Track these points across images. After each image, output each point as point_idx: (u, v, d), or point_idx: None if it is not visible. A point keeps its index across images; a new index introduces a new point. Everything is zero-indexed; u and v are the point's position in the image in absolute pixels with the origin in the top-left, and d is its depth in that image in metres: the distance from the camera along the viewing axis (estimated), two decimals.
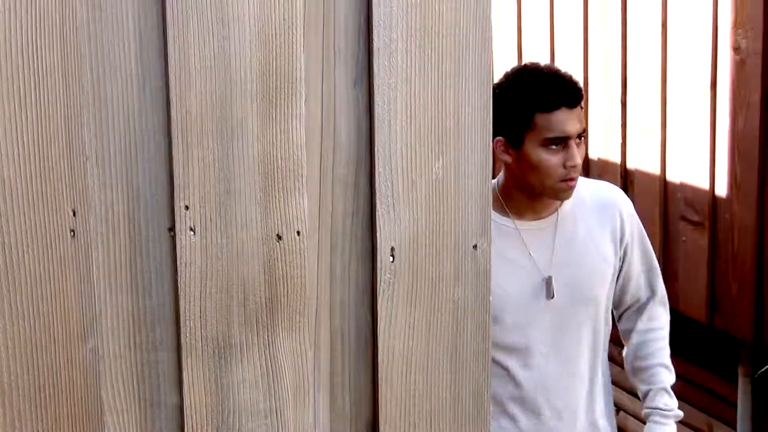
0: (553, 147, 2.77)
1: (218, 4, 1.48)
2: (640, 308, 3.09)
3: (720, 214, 4.29)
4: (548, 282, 2.88)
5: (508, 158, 2.80)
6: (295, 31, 1.52)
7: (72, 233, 1.45)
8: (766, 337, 4.15)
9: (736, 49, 4.08)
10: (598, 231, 2.93)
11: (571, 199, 2.89)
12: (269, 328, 1.58)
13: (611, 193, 3.05)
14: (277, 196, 1.55)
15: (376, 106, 1.57)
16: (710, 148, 4.31)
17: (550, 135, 2.74)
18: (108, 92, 1.47)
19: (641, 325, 3.08)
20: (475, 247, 1.66)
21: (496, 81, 2.83)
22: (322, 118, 1.57)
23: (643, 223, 4.55)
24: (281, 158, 1.54)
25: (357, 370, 1.67)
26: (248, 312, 1.57)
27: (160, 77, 1.50)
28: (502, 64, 6.34)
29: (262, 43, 1.51)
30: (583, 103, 2.79)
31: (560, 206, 2.92)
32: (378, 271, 1.62)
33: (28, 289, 1.43)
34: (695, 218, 4.42)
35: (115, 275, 1.52)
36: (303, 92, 1.54)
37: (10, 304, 1.42)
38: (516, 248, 2.92)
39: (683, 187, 4.51)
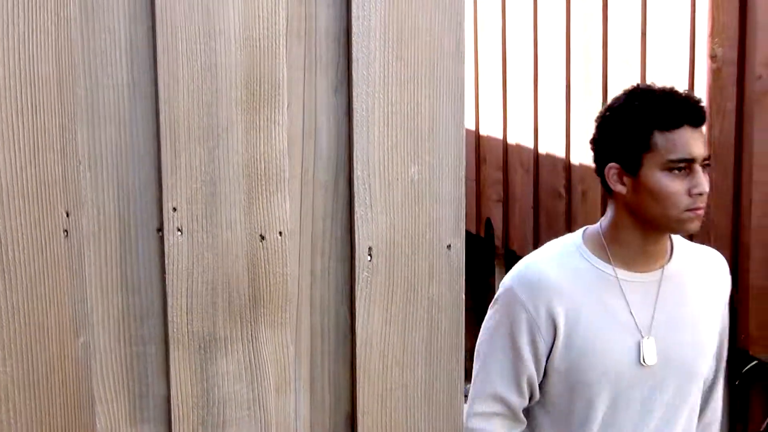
0: (676, 171, 2.35)
1: (205, 17, 1.54)
2: (709, 389, 2.64)
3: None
4: (648, 344, 2.47)
5: (622, 188, 2.39)
6: (278, 43, 1.57)
7: (65, 233, 1.51)
8: (741, 339, 4.19)
9: (713, 57, 4.13)
10: (707, 298, 2.52)
11: (677, 257, 2.49)
12: (252, 323, 1.64)
13: (720, 259, 2.61)
14: (260, 199, 1.60)
15: (354, 113, 1.63)
16: None
17: (673, 156, 2.34)
18: (100, 100, 1.53)
19: (705, 418, 2.64)
20: (449, 247, 1.72)
21: (606, 104, 2.48)
22: (303, 125, 1.63)
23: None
24: (264, 162, 1.59)
25: (336, 364, 1.71)
26: (232, 308, 1.63)
27: (149, 86, 1.55)
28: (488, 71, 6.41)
29: (246, 54, 1.56)
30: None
31: (667, 262, 2.48)
32: (356, 270, 1.67)
33: (23, 286, 1.47)
34: None
35: (105, 273, 1.57)
36: (285, 100, 1.59)
37: (7, 302, 1.46)
38: (614, 301, 2.48)
39: None
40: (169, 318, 1.60)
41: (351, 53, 1.62)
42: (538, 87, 5.59)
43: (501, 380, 2.44)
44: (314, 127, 1.64)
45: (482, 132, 6.32)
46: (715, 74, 4.11)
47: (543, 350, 2.42)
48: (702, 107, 2.39)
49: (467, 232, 6.92)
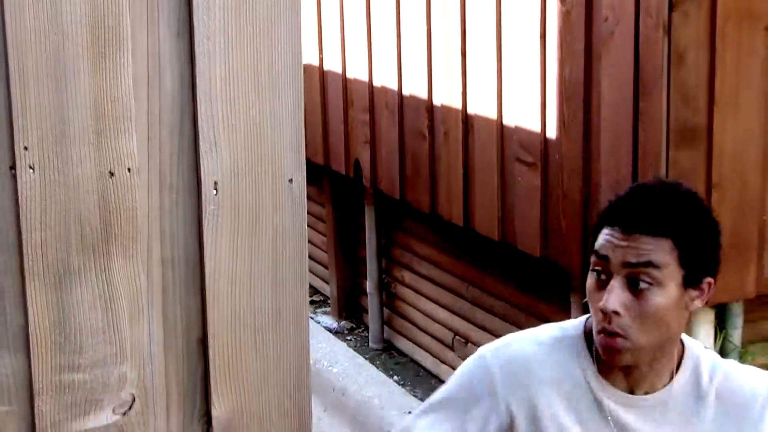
0: (595, 274, 1.98)
1: None
2: None
3: (551, 155, 4.52)
4: None
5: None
6: None
7: None
8: None
9: (563, 1, 4.31)
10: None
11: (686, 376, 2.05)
12: (105, 255, 1.72)
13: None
14: (109, 138, 1.69)
15: (196, 58, 1.72)
16: (541, 94, 4.53)
17: (593, 251, 1.98)
18: None
19: None
20: (290, 180, 1.83)
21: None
22: (148, 68, 1.71)
23: (481, 166, 4.77)
24: (111, 103, 1.68)
25: (187, 292, 1.80)
26: (85, 241, 1.71)
27: None
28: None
29: (91, 1, 1.65)
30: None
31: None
32: (203, 203, 1.77)
33: None
34: (529, 159, 4.64)
35: None
36: (129, 45, 1.68)
37: None
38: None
39: (518, 131, 4.73)
40: (24, 251, 1.68)
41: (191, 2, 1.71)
42: (401, 31, 5.71)
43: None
44: (158, 70, 1.72)
45: (349, 75, 6.41)
46: (565, 17, 4.28)
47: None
48: (644, 213, 1.96)
49: (336, 173, 7.03)
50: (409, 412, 5.35)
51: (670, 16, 3.90)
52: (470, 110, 5.09)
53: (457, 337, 5.91)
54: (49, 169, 1.68)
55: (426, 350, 6.26)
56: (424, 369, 6.31)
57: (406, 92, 5.76)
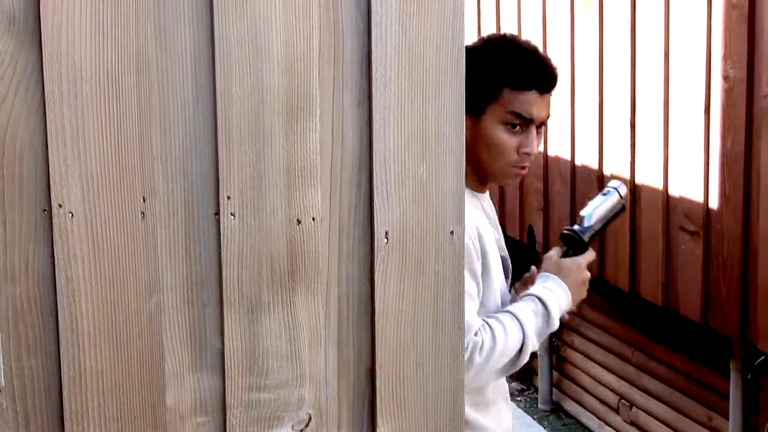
0: (511, 127, 2.55)
1: (254, 43, 1.83)
2: None
3: (712, 225, 4.57)
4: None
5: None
6: (312, 64, 1.86)
7: (142, 215, 1.82)
8: (751, 335, 4.47)
9: (726, 77, 4.40)
10: None
11: None
12: (291, 291, 1.91)
13: None
14: (298, 190, 1.88)
15: (374, 123, 1.91)
16: (704, 166, 4.60)
17: (514, 111, 2.52)
18: (170, 108, 1.82)
19: None
20: (452, 233, 1.98)
21: (469, 43, 2.42)
22: (332, 132, 1.90)
23: (647, 234, 4.88)
24: (301, 161, 1.88)
25: (359, 327, 1.97)
26: (275, 279, 1.89)
27: (209, 97, 1.83)
28: None
29: (287, 72, 1.85)
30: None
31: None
32: (375, 250, 1.93)
33: (108, 256, 1.81)
34: (692, 228, 4.71)
35: (173, 248, 1.85)
36: (318, 111, 1.88)
37: (94, 268, 1.81)
38: (489, 223, 2.76)
39: (682, 201, 4.80)
40: (224, 285, 1.87)
41: (371, 74, 1.89)
42: (575, 102, 5.83)
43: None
44: (341, 134, 1.91)
45: None
46: (728, 93, 4.39)
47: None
48: (554, 75, 2.57)
49: (511, 239, 7.18)
50: None
51: None
52: (638, 180, 5.18)
53: (623, 400, 5.94)
54: (247, 216, 1.87)
55: (592, 412, 6.27)
56: (590, 431, 6.37)
57: (578, 162, 5.89)
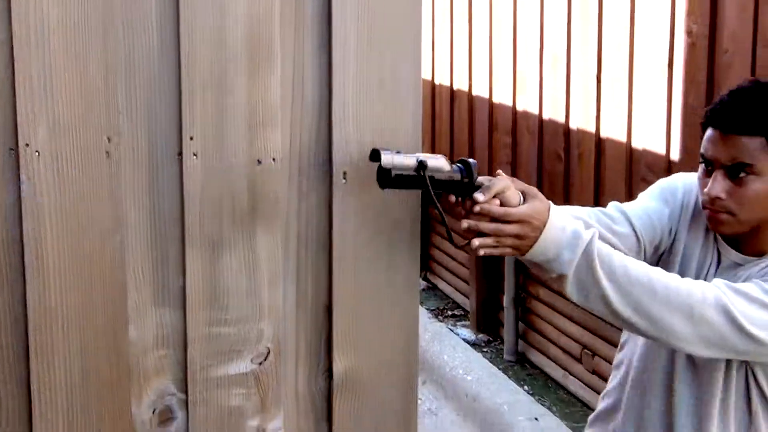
0: (703, 168, 2.39)
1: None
2: None
3: None
4: None
5: None
6: (273, 9, 1.92)
7: (107, 154, 1.87)
8: None
9: (689, 33, 4.47)
10: None
11: None
12: (251, 230, 1.96)
13: None
14: (259, 132, 1.93)
15: (333, 67, 1.96)
16: (666, 120, 4.67)
17: (701, 151, 2.37)
18: (135, 55, 1.87)
19: None
20: None
21: None
22: (293, 76, 1.95)
23: (610, 185, 4.93)
24: (262, 104, 1.93)
25: (317, 265, 2.03)
26: (235, 217, 1.95)
27: (174, 49, 1.88)
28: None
29: (248, 18, 1.90)
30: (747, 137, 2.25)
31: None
32: (334, 190, 1.99)
33: (73, 194, 1.85)
34: (654, 180, 4.79)
35: (138, 186, 1.90)
36: (278, 56, 1.93)
37: (61, 206, 1.85)
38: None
39: (645, 153, 4.87)
40: (186, 223, 1.92)
41: (331, 20, 1.95)
42: (543, 59, 5.91)
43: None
44: (302, 78, 1.96)
45: (495, 100, 6.63)
46: (690, 48, 4.45)
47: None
48: (737, 116, 2.27)
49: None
50: (536, 419, 5.59)
51: None
52: (603, 134, 5.27)
53: (586, 350, 6.04)
54: (209, 156, 1.92)
55: (556, 362, 6.38)
56: (554, 380, 6.41)
57: (546, 117, 5.96)
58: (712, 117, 2.33)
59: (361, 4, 1.99)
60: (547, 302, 6.46)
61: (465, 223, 2.09)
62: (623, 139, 5.06)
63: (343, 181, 2.01)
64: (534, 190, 2.17)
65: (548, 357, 6.49)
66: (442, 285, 8.23)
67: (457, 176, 2.06)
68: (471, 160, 2.09)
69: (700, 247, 2.49)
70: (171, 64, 1.90)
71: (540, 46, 5.90)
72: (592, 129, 5.33)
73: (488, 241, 2.09)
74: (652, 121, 4.84)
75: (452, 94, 7.28)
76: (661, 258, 2.55)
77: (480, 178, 2.09)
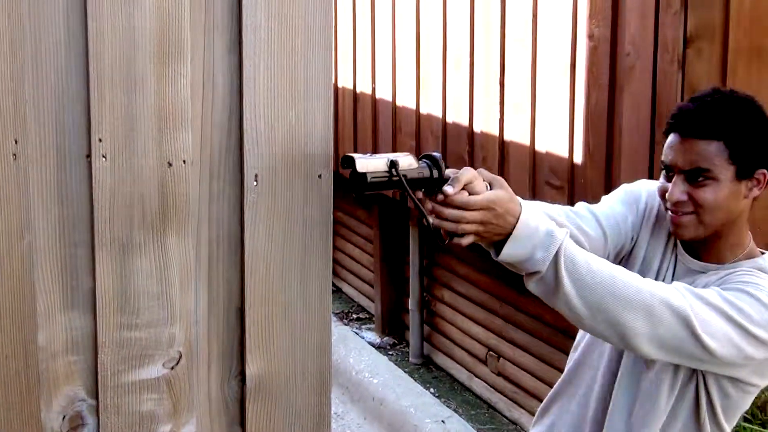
0: (665, 173, 2.49)
1: None
2: None
3: (577, 179, 4.70)
4: None
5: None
6: (183, 8, 1.89)
7: (14, 156, 1.83)
8: None
9: (591, 36, 4.54)
10: None
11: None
12: (161, 233, 1.94)
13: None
14: (169, 133, 1.91)
15: (244, 68, 1.94)
16: (569, 123, 4.74)
17: (662, 159, 2.47)
18: (42, 52, 1.83)
19: None
20: (320, 176, 2.04)
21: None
22: (203, 76, 1.94)
23: (515, 187, 4.96)
24: (172, 105, 1.91)
25: (229, 268, 2.02)
26: (146, 220, 1.92)
27: (81, 44, 1.85)
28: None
29: (158, 17, 1.88)
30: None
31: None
32: (245, 192, 1.98)
33: None
34: (557, 183, 4.84)
35: (46, 189, 1.87)
36: (189, 56, 1.91)
37: None
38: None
39: (548, 156, 4.94)
40: (95, 226, 1.89)
41: (242, 21, 1.93)
42: (447, 62, 5.94)
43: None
44: (212, 78, 1.94)
45: (398, 103, 6.66)
46: (593, 51, 4.52)
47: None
48: (695, 120, 2.37)
49: (384, 196, 7.22)
50: (443, 421, 5.62)
51: (685, 53, 4.09)
52: (506, 137, 5.31)
53: (491, 352, 6.08)
54: (118, 158, 1.89)
55: (461, 365, 6.42)
56: (459, 383, 6.46)
57: (449, 120, 5.99)
58: (672, 123, 2.42)
59: (272, 4, 1.98)
60: (452, 305, 6.50)
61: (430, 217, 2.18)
62: (526, 141, 5.11)
63: (255, 183, 2.00)
64: (500, 180, 2.24)
65: (453, 359, 6.53)
66: (346, 288, 8.23)
67: (427, 172, 2.14)
68: (436, 153, 2.17)
69: (661, 253, 2.55)
70: (79, 62, 1.87)
71: (443, 49, 5.93)
72: (495, 132, 5.38)
73: (449, 225, 2.16)
74: (555, 124, 4.90)
75: (355, 96, 7.30)
76: (620, 263, 2.60)
77: (447, 171, 2.15)
